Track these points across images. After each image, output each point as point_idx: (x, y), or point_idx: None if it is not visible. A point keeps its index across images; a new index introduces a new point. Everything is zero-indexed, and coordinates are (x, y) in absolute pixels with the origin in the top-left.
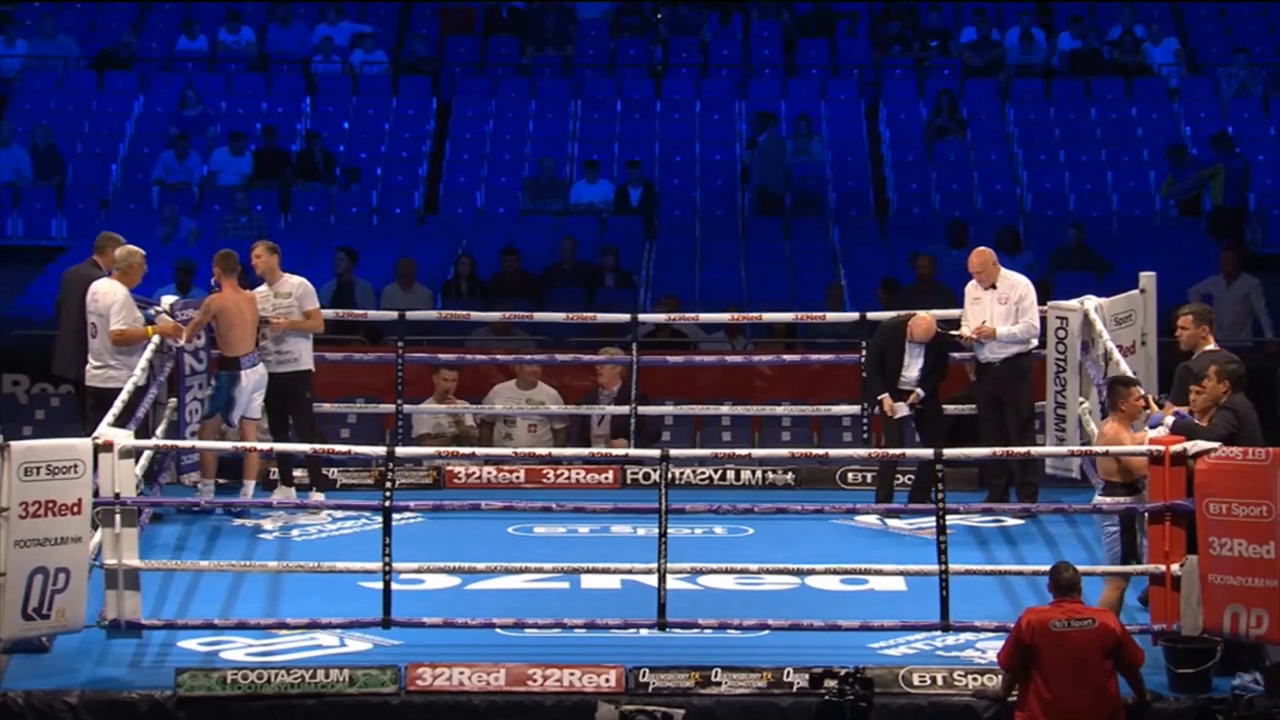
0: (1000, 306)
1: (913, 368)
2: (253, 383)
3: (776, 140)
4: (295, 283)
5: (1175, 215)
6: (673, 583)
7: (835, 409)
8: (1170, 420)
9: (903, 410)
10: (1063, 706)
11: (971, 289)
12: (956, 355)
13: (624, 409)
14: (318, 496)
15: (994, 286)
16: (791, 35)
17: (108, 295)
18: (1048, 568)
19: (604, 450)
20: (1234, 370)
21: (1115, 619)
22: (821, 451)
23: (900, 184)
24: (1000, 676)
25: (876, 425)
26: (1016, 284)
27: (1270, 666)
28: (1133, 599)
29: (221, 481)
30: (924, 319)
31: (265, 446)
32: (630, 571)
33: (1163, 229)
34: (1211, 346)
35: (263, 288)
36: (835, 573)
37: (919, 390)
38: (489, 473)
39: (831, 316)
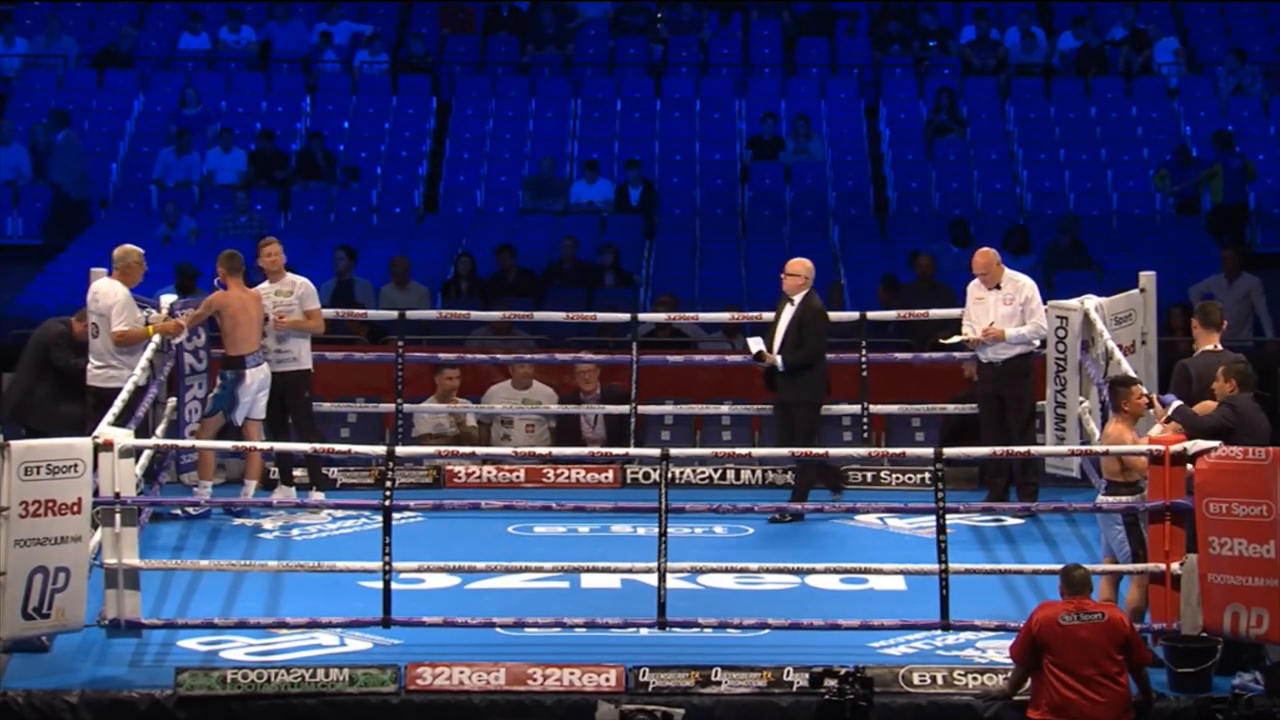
0: (1005, 307)
1: (779, 324)
2: (257, 382)
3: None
4: (299, 282)
5: (1174, 214)
6: (673, 582)
7: (835, 409)
8: (1174, 406)
9: (758, 345)
10: (1073, 700)
11: (974, 288)
12: (957, 355)
13: (612, 409)
14: (318, 496)
15: (998, 287)
16: (791, 34)
17: (108, 295)
18: (1048, 567)
19: (604, 450)
20: (1240, 370)
21: (1124, 615)
22: (821, 451)
23: (900, 183)
24: (1000, 678)
25: (877, 424)
26: (1022, 285)
27: (1270, 666)
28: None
29: (219, 482)
30: (792, 265)
31: (265, 446)
32: (630, 571)
33: (1162, 228)
34: (1210, 346)
35: (264, 284)
36: (835, 572)
37: (777, 357)
38: (489, 472)
39: (832, 316)
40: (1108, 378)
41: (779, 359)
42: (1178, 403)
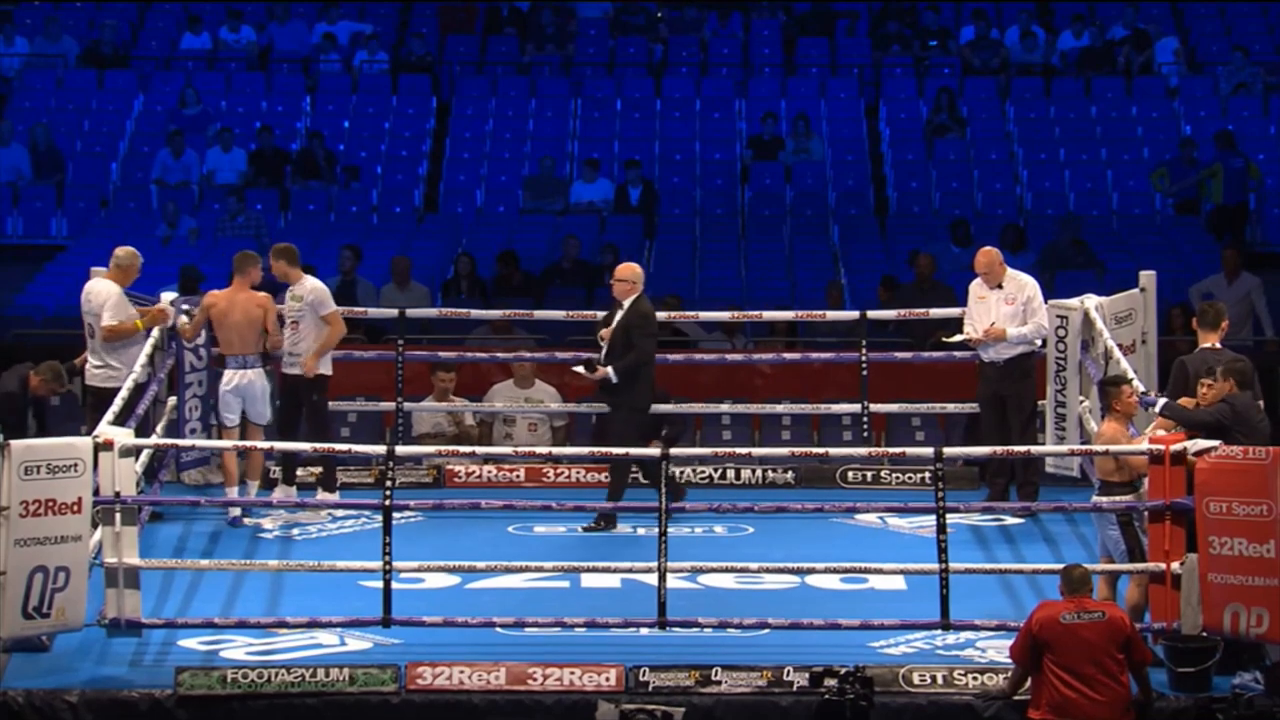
0: (1007, 306)
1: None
2: (238, 385)
3: None
4: (308, 287)
5: (1174, 215)
6: (673, 582)
7: (835, 408)
8: (1162, 403)
9: (582, 370)
10: (1074, 699)
11: (976, 288)
12: (959, 355)
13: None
14: (329, 498)
15: (1000, 286)
16: (791, 34)
17: (100, 294)
18: (1048, 567)
19: (604, 449)
20: (1239, 368)
21: (1124, 613)
22: (821, 450)
23: (900, 183)
24: (1000, 678)
25: (877, 424)
26: (1024, 284)
27: (1270, 665)
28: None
29: (219, 482)
30: (620, 271)
31: (266, 445)
32: (630, 571)
33: (1163, 228)
34: (1209, 344)
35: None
36: (835, 572)
37: (608, 369)
38: (489, 472)
39: (832, 315)
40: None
41: (610, 371)
42: (1163, 400)
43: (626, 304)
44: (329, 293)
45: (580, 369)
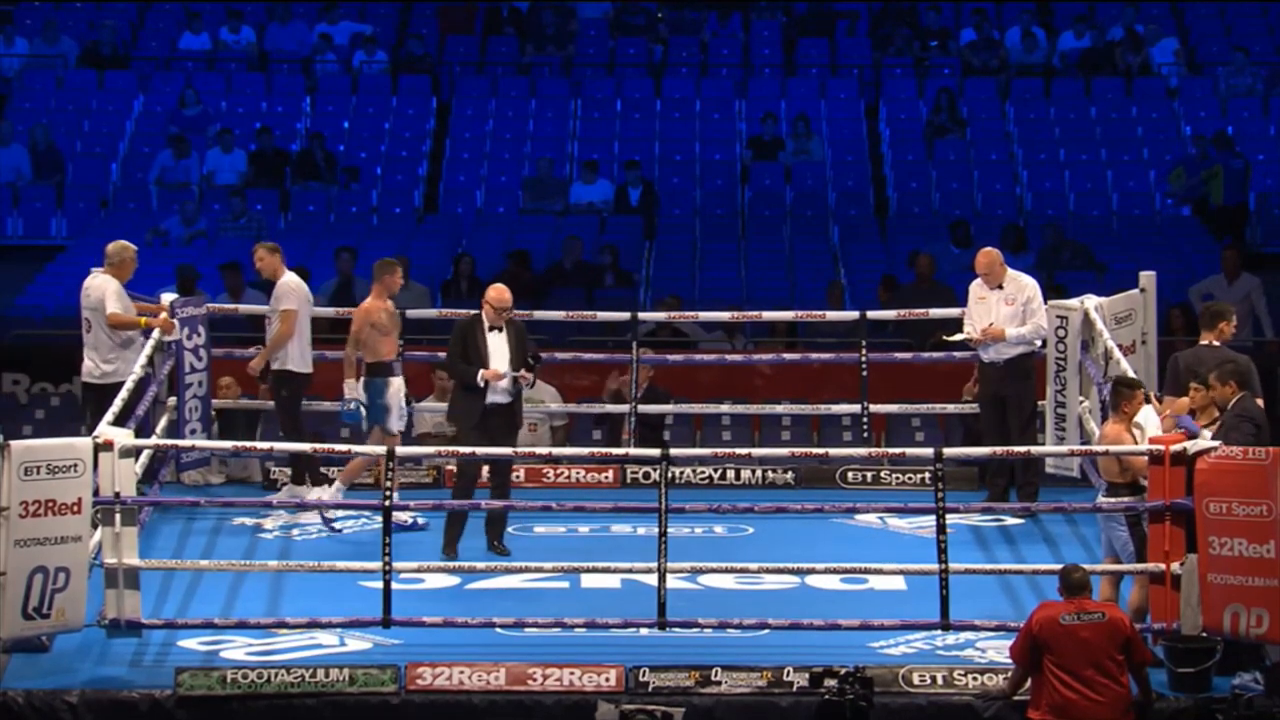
0: (1007, 307)
1: (500, 357)
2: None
3: None
4: (278, 282)
5: (1179, 214)
6: (673, 582)
7: (835, 408)
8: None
9: (507, 375)
10: (1074, 700)
11: (976, 288)
12: (958, 355)
13: (647, 409)
14: (321, 493)
15: (1001, 287)
16: (791, 34)
17: (99, 288)
18: (1048, 567)
19: (604, 450)
20: (1232, 369)
21: (1124, 614)
22: (821, 451)
23: (900, 183)
24: (1000, 678)
25: (877, 424)
26: (1024, 285)
27: (1270, 666)
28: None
29: (219, 482)
30: (504, 294)
31: (265, 446)
32: (630, 571)
33: (1163, 228)
34: (1206, 343)
35: None
36: (835, 572)
37: (530, 375)
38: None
39: (832, 315)
40: (1108, 377)
41: (530, 375)
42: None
43: (505, 323)
44: (294, 290)
45: (525, 374)
